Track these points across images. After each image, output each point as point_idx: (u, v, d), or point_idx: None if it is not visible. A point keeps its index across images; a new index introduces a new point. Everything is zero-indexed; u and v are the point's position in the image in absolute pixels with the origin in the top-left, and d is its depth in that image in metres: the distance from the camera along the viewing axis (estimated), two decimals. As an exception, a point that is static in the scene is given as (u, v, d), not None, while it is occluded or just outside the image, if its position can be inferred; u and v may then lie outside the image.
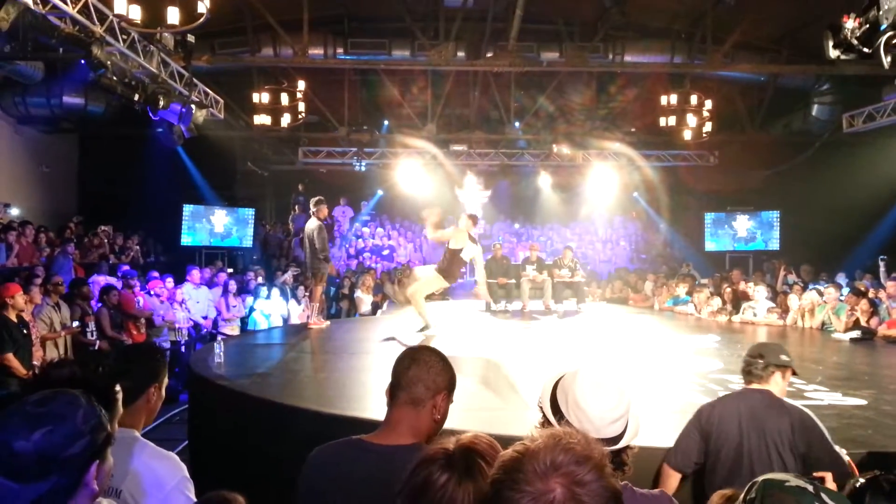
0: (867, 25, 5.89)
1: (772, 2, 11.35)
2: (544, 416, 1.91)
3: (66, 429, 1.44)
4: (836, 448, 3.04)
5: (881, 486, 2.05)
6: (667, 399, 4.98)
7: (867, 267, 11.37)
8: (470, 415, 4.47)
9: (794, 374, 3.37)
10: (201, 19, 7.85)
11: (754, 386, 3.24)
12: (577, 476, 1.00)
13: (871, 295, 9.49)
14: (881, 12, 5.71)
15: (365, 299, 11.85)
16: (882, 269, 10.51)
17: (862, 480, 2.12)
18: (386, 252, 16.43)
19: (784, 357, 3.28)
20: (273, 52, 12.72)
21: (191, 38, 9.96)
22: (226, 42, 12.70)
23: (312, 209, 8.42)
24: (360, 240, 16.80)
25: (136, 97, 9.35)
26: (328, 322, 8.71)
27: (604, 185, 16.00)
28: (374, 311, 11.89)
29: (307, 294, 10.84)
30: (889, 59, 5.76)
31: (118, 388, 1.96)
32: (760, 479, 1.49)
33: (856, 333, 8.61)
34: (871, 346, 8.26)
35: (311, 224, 8.32)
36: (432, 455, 1.46)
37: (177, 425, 7.33)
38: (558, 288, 11.77)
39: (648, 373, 6.11)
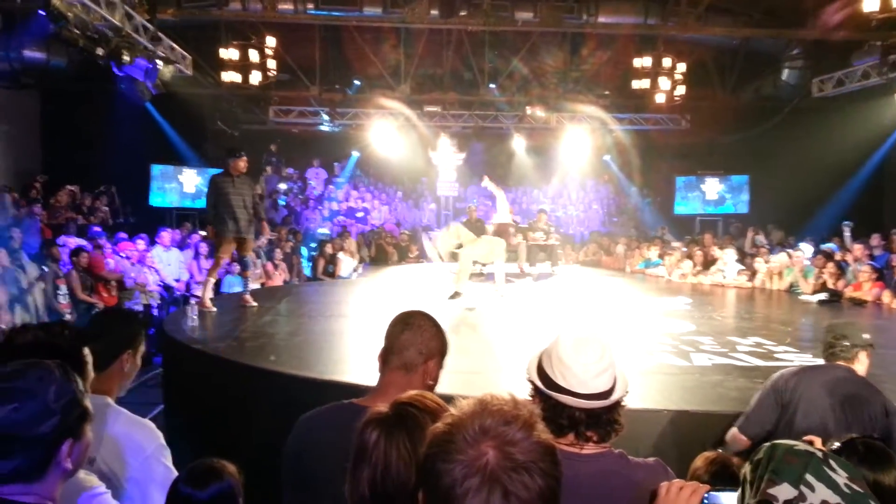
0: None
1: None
2: (534, 386, 1.90)
3: (34, 406, 1.37)
4: None
5: (856, 448, 2.11)
6: (639, 361, 5.08)
7: (834, 230, 11.61)
8: (445, 377, 4.52)
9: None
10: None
11: (841, 363, 3.17)
12: (507, 436, 1.01)
13: (837, 258, 9.73)
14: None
15: (346, 262, 11.81)
16: (847, 233, 10.76)
17: (838, 444, 2.19)
18: (360, 214, 16.33)
19: (866, 336, 3.24)
20: (241, 6, 12.34)
21: (156, -12, 9.65)
22: (192, -6, 12.28)
23: (230, 161, 7.13)
24: (335, 202, 16.65)
25: (100, 51, 9.02)
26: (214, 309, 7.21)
27: (577, 149, 16.02)
28: (350, 274, 11.87)
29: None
30: None
31: (87, 351, 1.89)
32: (769, 442, 1.51)
33: (823, 295, 8.87)
34: (838, 307, 8.52)
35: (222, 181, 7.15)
36: (369, 416, 1.47)
37: (152, 388, 7.29)
38: (533, 251, 11.86)
39: (621, 335, 6.22)
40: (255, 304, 7.38)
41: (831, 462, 1.39)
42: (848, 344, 3.15)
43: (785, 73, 13.62)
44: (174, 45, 10.97)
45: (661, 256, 12.14)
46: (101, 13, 8.49)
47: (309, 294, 9.23)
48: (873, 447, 2.15)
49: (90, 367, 1.90)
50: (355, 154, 17.35)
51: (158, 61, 10.31)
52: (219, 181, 7.07)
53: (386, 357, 2.02)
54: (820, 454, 1.41)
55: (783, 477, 1.35)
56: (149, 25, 9.88)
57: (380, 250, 13.88)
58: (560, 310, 7.99)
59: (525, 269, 11.70)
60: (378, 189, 18.09)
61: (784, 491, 1.33)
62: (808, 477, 1.33)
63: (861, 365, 3.17)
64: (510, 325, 6.98)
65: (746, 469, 1.47)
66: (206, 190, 7.28)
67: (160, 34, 10.26)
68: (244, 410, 4.60)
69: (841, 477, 1.36)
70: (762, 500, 1.35)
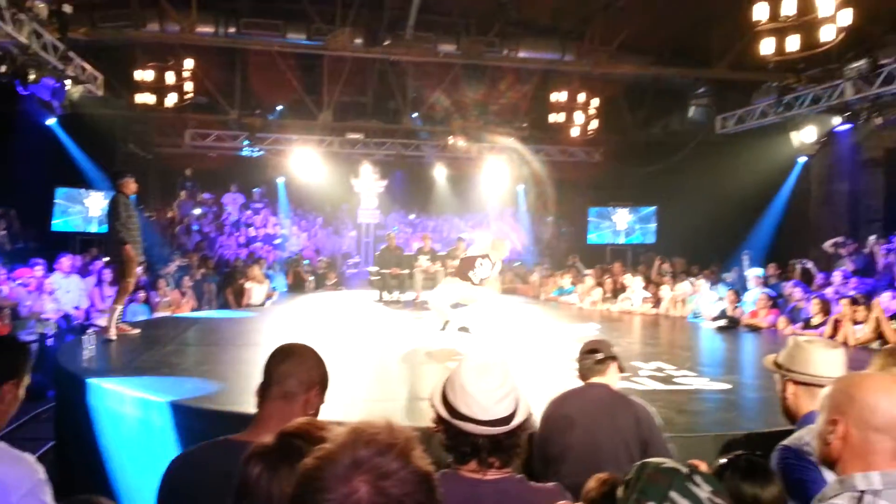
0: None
1: (656, 7, 11.97)
2: (437, 413, 1.92)
3: None
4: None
5: (739, 464, 2.25)
6: (547, 386, 5.18)
7: (734, 260, 12.26)
8: (359, 406, 4.49)
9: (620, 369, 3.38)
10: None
11: (595, 380, 3.24)
12: (381, 468, 0.95)
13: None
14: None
15: (255, 289, 11.53)
16: (746, 262, 11.39)
17: (723, 460, 2.31)
18: (278, 241, 16.06)
19: (614, 349, 3.34)
20: (159, 28, 12.07)
21: (67, 7, 9.31)
22: (107, 15, 11.90)
23: (121, 182, 6.98)
24: (252, 228, 16.31)
25: (3, 69, 8.66)
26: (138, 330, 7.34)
27: (496, 178, 16.40)
28: (263, 302, 11.60)
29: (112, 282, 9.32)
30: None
31: None
32: (640, 462, 1.58)
33: (722, 322, 9.33)
34: (736, 333, 8.98)
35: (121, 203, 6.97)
36: (252, 449, 1.41)
37: (44, 423, 6.88)
38: (451, 278, 11.93)
39: (532, 360, 6.34)
40: (136, 331, 7.12)
41: (695, 478, 1.47)
42: (601, 356, 3.24)
43: (691, 110, 14.42)
44: (85, 65, 10.58)
45: (573, 284, 12.50)
46: (7, 30, 8.12)
47: (218, 323, 8.97)
48: (755, 464, 2.28)
49: None
50: (280, 181, 17.11)
51: (67, 81, 9.93)
52: (124, 201, 6.87)
53: (265, 388, 1.95)
54: (685, 470, 1.49)
55: (649, 496, 1.41)
56: (59, 44, 9.52)
57: (297, 277, 13.66)
58: (475, 335, 8.07)
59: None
60: (297, 215, 17.87)
61: None
62: (673, 494, 1.40)
63: (613, 377, 3.28)
64: (427, 351, 6.99)
65: (620, 490, 1.54)
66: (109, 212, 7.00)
67: (71, 53, 9.89)
68: (144, 445, 4.40)
69: (704, 492, 1.44)
70: None
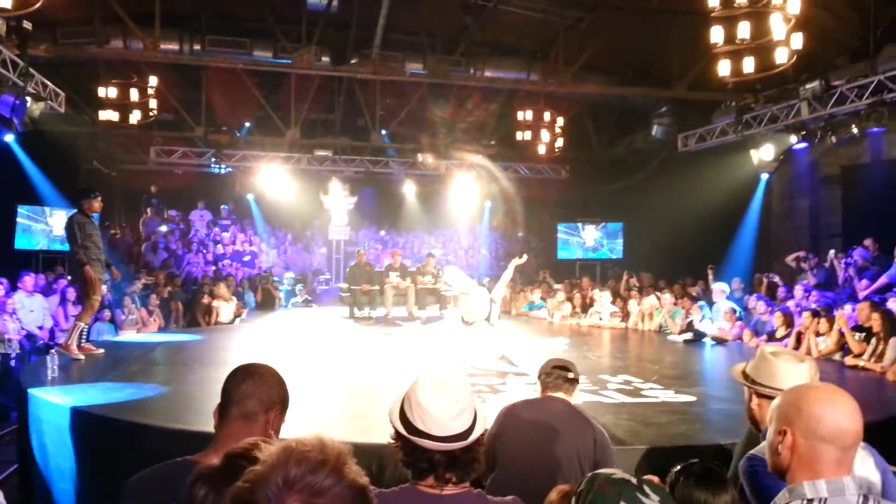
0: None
1: (620, 28, 12.26)
2: (395, 428, 1.92)
3: None
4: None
5: (694, 471, 2.31)
6: (516, 399, 5.24)
7: (699, 274, 12.48)
8: (329, 424, 4.48)
9: None
10: (37, 4, 7.25)
11: (557, 395, 3.25)
12: (314, 486, 0.95)
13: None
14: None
15: (223, 307, 11.42)
16: (710, 276, 11.62)
17: (677, 468, 2.38)
18: (247, 258, 15.91)
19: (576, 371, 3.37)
20: (122, 45, 11.96)
21: (27, 24, 9.19)
22: (69, 31, 11.75)
23: (84, 202, 6.90)
24: (220, 245, 16.14)
25: (-41, 85, 8.52)
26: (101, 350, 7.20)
27: (465, 195, 16.52)
28: (233, 320, 11.49)
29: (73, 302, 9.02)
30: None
31: None
32: (591, 473, 1.63)
33: (688, 335, 9.50)
34: (702, 346, 9.15)
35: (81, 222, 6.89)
36: (198, 472, 1.38)
37: (8, 445, 6.72)
38: (421, 294, 11.99)
39: (502, 374, 6.40)
40: (82, 356, 6.81)
41: (645, 488, 1.52)
42: (572, 375, 3.28)
43: (654, 129, 14.72)
44: (46, 82, 10.43)
45: (543, 299, 12.62)
46: (-36, 46, 8.00)
47: (185, 341, 8.86)
48: (710, 471, 2.35)
49: None
50: (251, 197, 16.99)
51: (27, 97, 9.78)
52: (83, 221, 6.77)
53: (224, 408, 1.91)
54: (634, 481, 1.54)
55: None
56: (19, 61, 9.39)
57: (266, 295, 13.55)
58: (446, 351, 8.10)
59: (414, 312, 11.80)
60: (267, 232, 17.74)
61: None
62: None
63: (578, 397, 3.34)
64: (397, 368, 6.99)
65: (572, 501, 1.59)
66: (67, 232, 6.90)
67: (31, 70, 9.75)
68: (109, 467, 4.33)
69: (652, 501, 1.50)
70: None
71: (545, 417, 3.12)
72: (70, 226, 6.76)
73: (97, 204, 6.92)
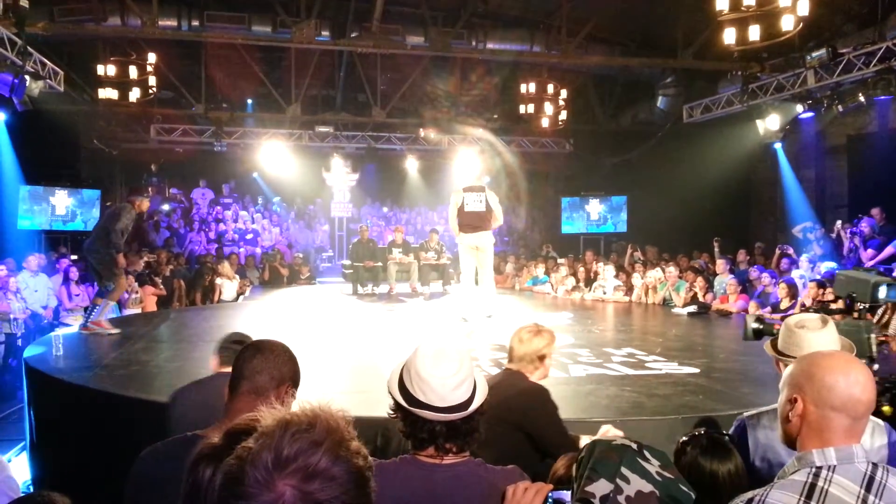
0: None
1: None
2: (394, 400, 1.91)
3: None
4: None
5: (700, 441, 2.30)
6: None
7: (705, 246, 12.43)
8: (335, 399, 4.48)
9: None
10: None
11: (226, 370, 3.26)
12: (308, 467, 0.88)
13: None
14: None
15: (226, 285, 11.43)
16: (716, 249, 11.56)
17: (685, 438, 2.37)
18: (250, 236, 15.90)
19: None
20: (121, 22, 11.82)
21: (24, 1, 9.08)
22: (67, 9, 11.60)
23: (136, 198, 7.36)
24: (222, 223, 16.13)
25: (-42, 64, 8.46)
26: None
27: (468, 170, 16.36)
28: (237, 298, 11.51)
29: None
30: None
31: None
32: (592, 440, 1.61)
33: (693, 308, 9.48)
34: (706, 319, 9.13)
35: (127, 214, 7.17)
36: (200, 450, 1.35)
37: (15, 423, 6.79)
38: (425, 270, 11.98)
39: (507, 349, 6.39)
40: (116, 330, 7.11)
41: (645, 453, 1.51)
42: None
43: (659, 100, 14.54)
44: (45, 61, 10.34)
45: (547, 273, 12.59)
46: (-39, 26, 7.91)
47: (188, 319, 8.88)
48: (716, 441, 2.34)
49: None
50: (256, 175, 16.94)
51: (26, 76, 9.70)
52: (132, 215, 7.08)
53: (235, 383, 1.92)
54: (635, 446, 1.53)
55: (601, 472, 1.44)
56: (17, 39, 9.30)
57: (273, 272, 13.55)
58: (451, 326, 8.10)
59: (417, 288, 11.80)
60: (268, 210, 17.71)
61: (601, 486, 1.43)
62: (624, 470, 1.44)
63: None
64: (401, 343, 7.00)
65: (573, 468, 1.58)
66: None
67: (29, 48, 9.66)
68: (114, 443, 4.35)
69: (653, 466, 1.48)
70: (581, 499, 1.45)
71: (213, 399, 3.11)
72: (117, 215, 6.97)
73: (146, 204, 7.33)
